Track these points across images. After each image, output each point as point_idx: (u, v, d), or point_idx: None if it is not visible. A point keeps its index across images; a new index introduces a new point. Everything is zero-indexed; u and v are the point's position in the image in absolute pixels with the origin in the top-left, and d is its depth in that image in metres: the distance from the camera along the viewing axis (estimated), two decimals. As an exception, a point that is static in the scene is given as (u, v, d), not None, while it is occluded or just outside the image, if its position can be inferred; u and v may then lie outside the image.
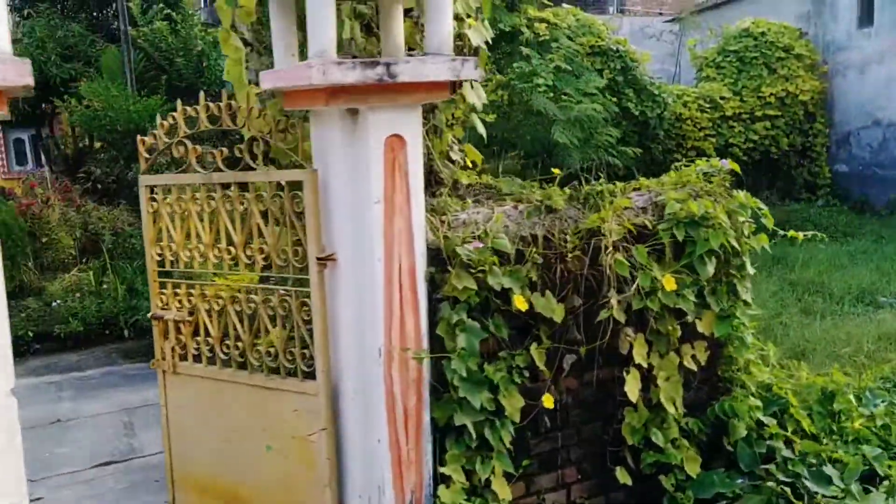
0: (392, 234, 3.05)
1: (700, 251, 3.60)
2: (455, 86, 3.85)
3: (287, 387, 3.36)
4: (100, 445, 5.20)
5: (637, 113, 12.34)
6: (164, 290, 3.70)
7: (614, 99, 12.21)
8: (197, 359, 3.67)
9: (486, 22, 4.60)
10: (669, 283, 3.54)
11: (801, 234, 3.82)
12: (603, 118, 11.23)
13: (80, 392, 6.38)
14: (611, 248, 3.46)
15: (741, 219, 3.79)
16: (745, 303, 3.82)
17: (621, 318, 3.55)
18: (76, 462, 4.96)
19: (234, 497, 3.62)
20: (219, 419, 3.61)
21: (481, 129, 4.17)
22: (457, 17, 4.23)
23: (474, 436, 3.22)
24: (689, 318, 3.72)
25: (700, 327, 3.77)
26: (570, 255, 3.50)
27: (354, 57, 3.10)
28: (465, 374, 3.14)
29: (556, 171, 4.38)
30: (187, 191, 3.52)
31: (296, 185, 3.21)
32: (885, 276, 8.59)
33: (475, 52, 4.57)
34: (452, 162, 4.22)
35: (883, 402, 4.22)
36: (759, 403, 3.85)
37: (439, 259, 3.29)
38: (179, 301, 3.65)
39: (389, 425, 3.14)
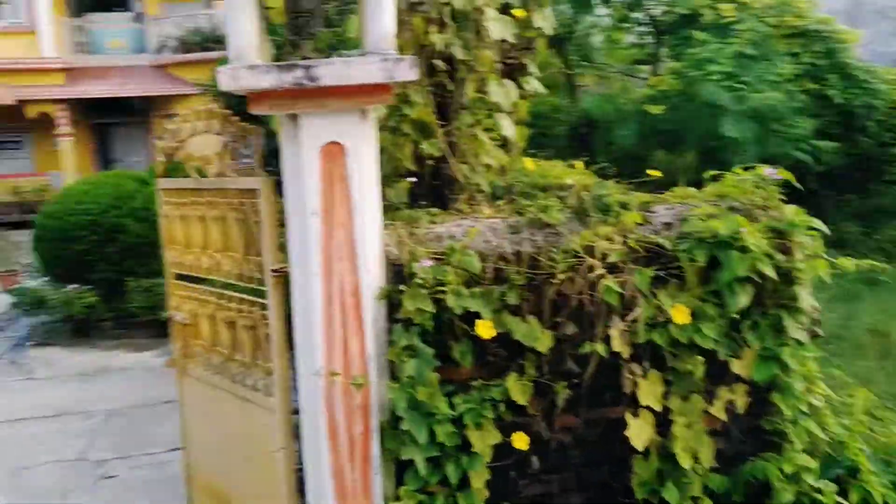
0: (331, 249, 2.84)
1: (727, 278, 2.98)
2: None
3: (256, 400, 3.29)
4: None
5: (840, 101, 10.73)
6: (179, 292, 3.79)
7: (815, 86, 10.73)
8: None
9: (547, 10, 4.21)
10: (681, 314, 2.97)
11: (851, 262, 3.02)
12: (796, 108, 9.90)
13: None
14: (600, 271, 2.97)
15: (796, 240, 3.09)
16: (798, 342, 3.11)
17: (624, 351, 3.05)
18: None
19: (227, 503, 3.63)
20: (217, 423, 3.63)
21: (507, 132, 3.80)
22: (504, 10, 3.90)
23: (422, 472, 2.92)
24: (722, 357, 3.12)
25: (735, 368, 3.14)
26: (560, 276, 3.06)
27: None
28: (405, 405, 2.86)
29: (652, 172, 3.87)
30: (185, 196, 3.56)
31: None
32: None
33: (528, 46, 4.21)
34: (488, 166, 3.91)
35: None
36: (812, 465, 3.13)
37: (402, 277, 3.02)
38: (187, 304, 3.71)
39: (332, 453, 2.94)
